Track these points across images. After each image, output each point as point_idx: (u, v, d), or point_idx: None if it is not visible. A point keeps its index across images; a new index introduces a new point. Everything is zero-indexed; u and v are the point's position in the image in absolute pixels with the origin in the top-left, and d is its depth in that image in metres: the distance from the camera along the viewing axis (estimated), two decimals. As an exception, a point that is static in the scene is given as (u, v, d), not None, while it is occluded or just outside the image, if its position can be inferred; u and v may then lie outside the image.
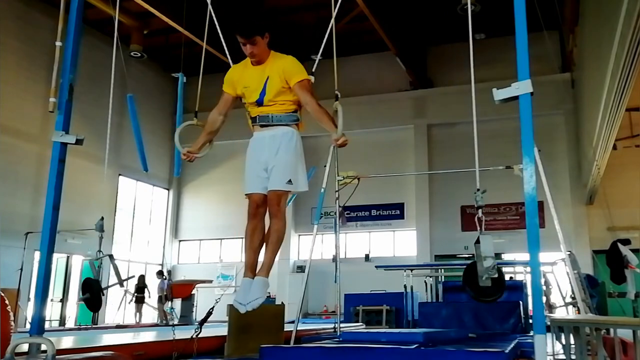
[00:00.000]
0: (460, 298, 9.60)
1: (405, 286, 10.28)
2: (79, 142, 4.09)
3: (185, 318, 13.25)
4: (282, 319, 6.07)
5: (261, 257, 3.52)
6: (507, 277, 11.65)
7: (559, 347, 5.69)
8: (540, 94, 6.85)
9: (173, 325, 6.24)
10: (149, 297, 15.03)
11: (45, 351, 3.38)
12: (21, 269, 11.84)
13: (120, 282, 4.83)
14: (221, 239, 19.99)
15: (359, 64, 17.91)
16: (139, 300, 14.80)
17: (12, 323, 3.66)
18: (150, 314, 15.85)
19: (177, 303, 14.34)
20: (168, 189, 20.56)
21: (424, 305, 9.09)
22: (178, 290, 14.02)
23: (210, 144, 3.82)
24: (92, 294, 4.53)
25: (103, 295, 4.58)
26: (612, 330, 3.86)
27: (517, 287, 9.35)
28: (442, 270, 11.73)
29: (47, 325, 6.58)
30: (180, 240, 20.72)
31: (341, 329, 6.81)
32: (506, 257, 15.50)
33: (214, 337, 6.01)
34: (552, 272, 8.94)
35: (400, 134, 18.32)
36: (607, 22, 7.88)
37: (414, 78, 18.14)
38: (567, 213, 15.21)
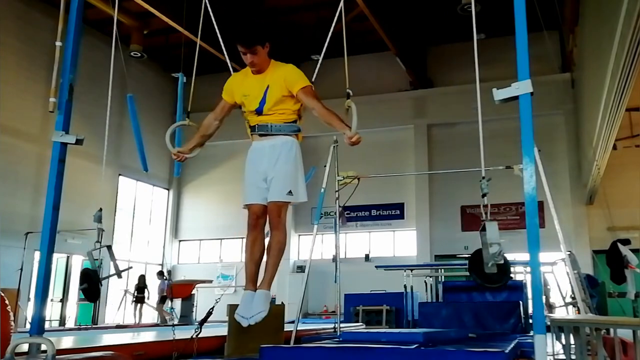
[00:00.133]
0: (460, 298, 9.61)
1: (405, 286, 10.29)
2: (79, 142, 4.09)
3: (185, 318, 13.25)
4: (282, 319, 6.07)
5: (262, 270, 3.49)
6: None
7: (559, 347, 5.69)
8: (540, 94, 6.85)
9: (173, 325, 6.23)
10: (149, 297, 15.02)
11: (45, 351, 3.38)
12: (21, 269, 11.84)
13: (119, 274, 4.82)
14: (221, 239, 19.99)
15: (359, 64, 17.89)
16: (139, 300, 14.80)
17: (12, 323, 3.66)
18: (150, 314, 15.85)
19: (177, 303, 14.34)
20: (168, 189, 20.56)
21: (424, 305, 9.09)
22: (178, 290, 14.02)
23: (202, 146, 3.82)
24: (90, 284, 4.53)
25: (101, 285, 4.58)
26: (612, 330, 3.86)
27: (517, 287, 9.35)
28: (442, 270, 11.73)
29: (47, 325, 6.58)
30: (180, 240, 20.72)
31: (341, 329, 6.81)
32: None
33: (214, 337, 6.01)
34: (552, 272, 8.94)
35: (400, 134, 18.33)
36: (607, 22, 7.88)
37: (414, 78, 18.14)
38: (567, 213, 15.21)
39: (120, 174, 17.89)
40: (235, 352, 5.32)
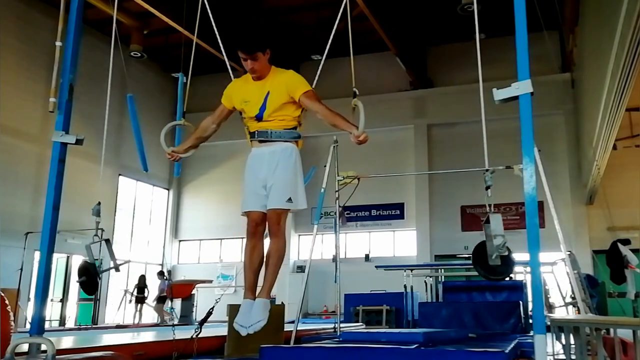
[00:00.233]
0: (460, 298, 9.61)
1: (405, 286, 10.28)
2: (79, 142, 4.09)
3: (185, 318, 13.25)
4: (282, 319, 6.07)
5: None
6: (507, 277, 11.71)
7: (559, 347, 5.69)
8: (540, 94, 6.85)
9: (173, 325, 6.23)
10: (149, 297, 15.00)
11: (45, 351, 3.38)
12: (21, 269, 11.85)
13: (117, 267, 4.83)
14: (221, 239, 19.99)
15: (359, 64, 17.67)
16: (139, 301, 14.78)
17: (12, 323, 3.67)
18: (150, 314, 15.84)
19: (177, 303, 14.34)
20: (168, 189, 20.56)
21: (424, 305, 9.09)
22: (178, 290, 14.02)
23: (196, 147, 3.82)
24: (89, 277, 4.54)
25: (100, 279, 4.58)
26: (612, 330, 3.86)
27: (517, 287, 9.35)
28: (442, 270, 11.73)
29: (47, 325, 6.58)
30: (180, 240, 20.72)
31: (341, 329, 6.81)
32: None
33: (214, 337, 6.01)
34: (552, 272, 8.94)
35: (400, 134, 18.33)
36: (607, 22, 7.88)
37: (414, 78, 18.14)
38: (567, 213, 15.21)
39: (120, 174, 17.89)
40: (235, 352, 5.32)
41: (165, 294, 14.01)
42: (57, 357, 3.01)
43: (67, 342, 5.93)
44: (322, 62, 4.65)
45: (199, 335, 4.99)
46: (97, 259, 4.78)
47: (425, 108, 18.47)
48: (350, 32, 4.57)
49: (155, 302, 14.49)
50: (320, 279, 14.61)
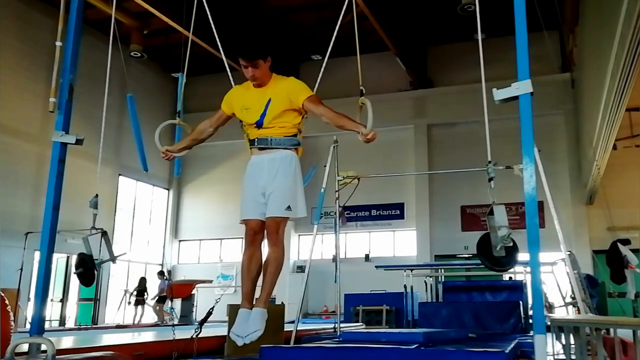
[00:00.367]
0: (460, 298, 9.61)
1: (405, 286, 10.28)
2: (79, 142, 4.10)
3: (185, 318, 13.25)
4: (282, 319, 6.07)
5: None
6: (507, 277, 11.72)
7: (559, 347, 5.69)
8: (540, 94, 6.85)
9: (173, 325, 6.24)
10: (147, 300, 14.93)
11: (45, 351, 3.38)
12: (21, 269, 11.84)
13: (113, 259, 4.84)
14: (221, 239, 19.99)
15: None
16: (139, 303, 14.73)
17: (12, 323, 3.67)
18: (150, 314, 15.84)
19: (177, 303, 14.34)
20: (168, 189, 20.56)
21: (424, 305, 9.09)
22: (178, 290, 14.01)
23: (190, 148, 3.83)
24: (86, 269, 4.54)
25: (96, 270, 4.59)
26: (612, 330, 3.86)
27: (517, 287, 9.35)
28: (442, 270, 11.73)
29: (47, 325, 6.58)
30: (180, 240, 20.72)
31: (341, 329, 6.81)
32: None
33: (214, 337, 6.01)
34: (552, 272, 8.93)
35: (400, 134, 18.32)
36: (607, 22, 7.88)
37: (414, 78, 18.14)
38: (567, 213, 15.21)
39: (120, 174, 17.90)
40: (235, 352, 5.32)
41: (165, 294, 14.00)
42: (57, 357, 3.01)
43: (67, 342, 5.93)
44: (325, 61, 4.65)
45: (199, 335, 4.99)
46: (96, 259, 4.79)
47: (425, 108, 18.47)
48: (356, 31, 4.57)
49: (154, 302, 14.48)
50: (320, 279, 14.61)
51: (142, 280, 14.94)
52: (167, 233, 20.36)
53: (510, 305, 8.11)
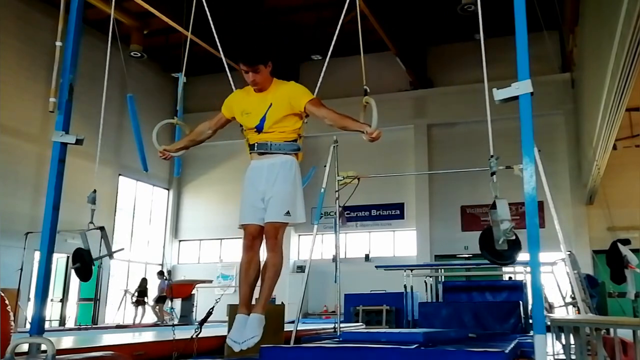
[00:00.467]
0: (460, 298, 9.62)
1: (405, 286, 10.28)
2: (79, 142, 4.10)
3: (185, 318, 13.24)
4: (282, 319, 6.07)
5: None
6: (506, 277, 11.73)
7: (559, 347, 5.70)
8: (540, 94, 6.84)
9: (173, 325, 6.24)
10: (147, 301, 14.90)
11: (45, 351, 3.38)
12: (21, 269, 11.85)
13: (110, 255, 4.84)
14: (221, 239, 19.99)
15: (359, 63, 17.85)
16: (140, 304, 14.69)
17: (12, 323, 3.67)
18: (151, 315, 15.83)
19: (177, 303, 14.33)
20: (168, 189, 20.56)
21: (424, 305, 9.09)
22: (178, 290, 14.01)
23: (187, 149, 3.83)
24: (83, 264, 4.54)
25: (94, 265, 4.58)
26: (612, 330, 3.86)
27: (517, 287, 9.36)
28: (442, 270, 11.73)
29: (47, 325, 6.58)
30: (180, 240, 20.72)
31: (341, 329, 6.82)
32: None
33: (214, 337, 6.01)
34: (552, 272, 8.94)
35: (400, 134, 18.32)
36: (607, 22, 7.88)
37: (414, 78, 18.14)
38: (567, 213, 15.21)
39: (120, 174, 17.90)
40: (234, 352, 5.32)
41: (164, 294, 13.99)
42: (57, 357, 3.01)
43: (67, 342, 5.94)
44: (327, 61, 4.65)
45: (199, 335, 4.99)
46: (97, 259, 4.79)
47: (425, 108, 18.47)
48: (360, 30, 4.56)
49: (153, 302, 14.46)
50: (320, 279, 14.60)
51: (144, 281, 14.91)
52: (167, 233, 20.36)
53: (510, 305, 8.12)
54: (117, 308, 15.89)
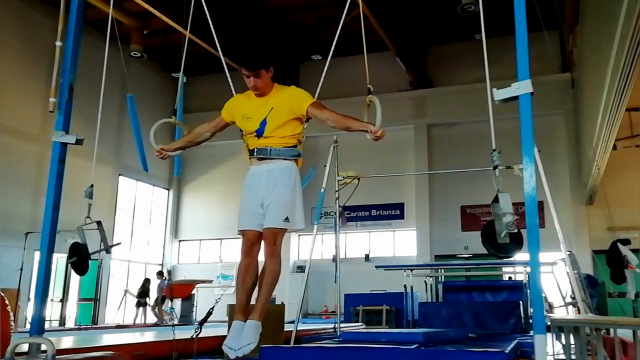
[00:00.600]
0: (460, 298, 9.62)
1: (405, 286, 10.28)
2: (79, 142, 4.10)
3: (185, 318, 13.24)
4: (282, 319, 6.08)
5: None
6: (506, 277, 11.72)
7: (559, 347, 5.69)
8: (540, 94, 6.84)
9: (173, 325, 6.24)
10: (149, 302, 14.88)
11: (45, 351, 3.38)
12: (21, 269, 11.85)
13: (107, 249, 4.84)
14: (221, 239, 19.99)
15: (359, 63, 17.66)
16: (141, 305, 14.66)
17: (12, 323, 3.67)
18: (151, 316, 15.82)
19: (177, 303, 14.32)
20: (168, 189, 20.56)
21: (424, 305, 9.09)
22: (178, 290, 14.00)
23: (184, 149, 3.85)
24: (80, 258, 4.55)
25: (90, 259, 4.59)
26: (612, 330, 3.86)
27: (517, 287, 9.35)
28: (442, 270, 11.72)
29: (47, 325, 6.58)
30: (180, 240, 20.72)
31: (341, 329, 6.82)
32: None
33: (214, 337, 6.00)
34: (552, 272, 8.94)
35: (400, 134, 18.32)
36: (607, 22, 7.88)
37: (414, 78, 18.14)
38: (567, 213, 15.21)
39: (120, 174, 17.89)
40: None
41: (164, 294, 13.97)
42: (57, 357, 3.01)
43: (67, 342, 5.94)
44: (328, 62, 4.64)
45: (199, 335, 4.99)
46: (96, 259, 4.79)
47: (425, 108, 18.47)
48: (363, 30, 4.57)
49: (153, 302, 14.45)
50: (320, 279, 14.61)
51: (146, 282, 14.85)
52: (167, 233, 20.36)
53: (510, 305, 8.12)
54: (117, 308, 15.89)
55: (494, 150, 3.89)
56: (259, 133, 3.44)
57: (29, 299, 12.35)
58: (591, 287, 8.64)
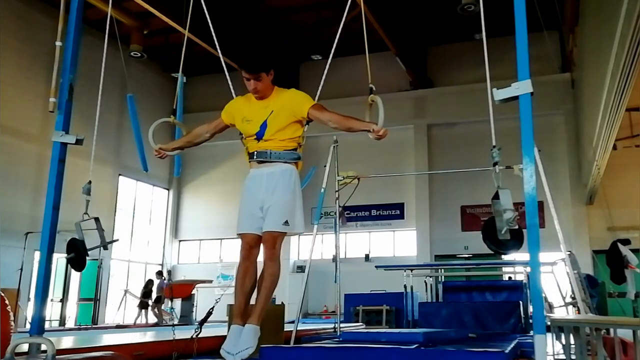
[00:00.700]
0: (460, 298, 9.61)
1: (405, 286, 10.28)
2: (79, 142, 4.10)
3: (185, 318, 13.24)
4: (282, 319, 6.07)
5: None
6: (506, 277, 11.72)
7: (559, 347, 5.69)
8: (540, 94, 6.85)
9: (173, 325, 6.24)
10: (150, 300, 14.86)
11: (45, 351, 3.38)
12: (21, 269, 11.86)
13: (105, 245, 4.84)
14: (221, 239, 19.99)
15: (359, 63, 17.62)
16: (144, 306, 14.62)
17: (12, 323, 3.66)
18: (152, 316, 15.81)
19: (177, 303, 14.32)
20: (168, 189, 20.56)
21: (424, 305, 9.09)
22: (178, 290, 14.00)
23: (183, 149, 3.86)
24: (77, 254, 4.55)
25: (88, 256, 4.59)
26: (612, 330, 3.86)
27: (517, 287, 9.35)
28: (442, 270, 11.72)
29: (47, 325, 6.58)
30: (180, 240, 20.72)
31: (341, 329, 6.82)
32: (506, 257, 15.52)
33: (214, 337, 6.00)
34: (552, 272, 8.94)
35: (400, 134, 18.31)
36: (607, 22, 7.88)
37: (414, 78, 18.14)
38: (567, 213, 15.21)
39: (120, 174, 17.89)
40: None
41: (162, 294, 13.96)
42: (57, 357, 3.01)
43: (67, 342, 5.94)
44: (329, 62, 4.64)
45: (199, 335, 4.99)
46: (96, 259, 4.79)
47: (425, 108, 18.47)
48: (364, 30, 4.57)
49: (153, 302, 14.44)
50: (320, 279, 14.61)
51: (149, 282, 14.81)
52: (167, 233, 20.36)
53: (510, 305, 8.11)
54: (117, 308, 15.88)
55: (494, 146, 3.89)
56: (259, 136, 3.43)
57: (29, 299, 12.35)
58: (591, 287, 8.64)
